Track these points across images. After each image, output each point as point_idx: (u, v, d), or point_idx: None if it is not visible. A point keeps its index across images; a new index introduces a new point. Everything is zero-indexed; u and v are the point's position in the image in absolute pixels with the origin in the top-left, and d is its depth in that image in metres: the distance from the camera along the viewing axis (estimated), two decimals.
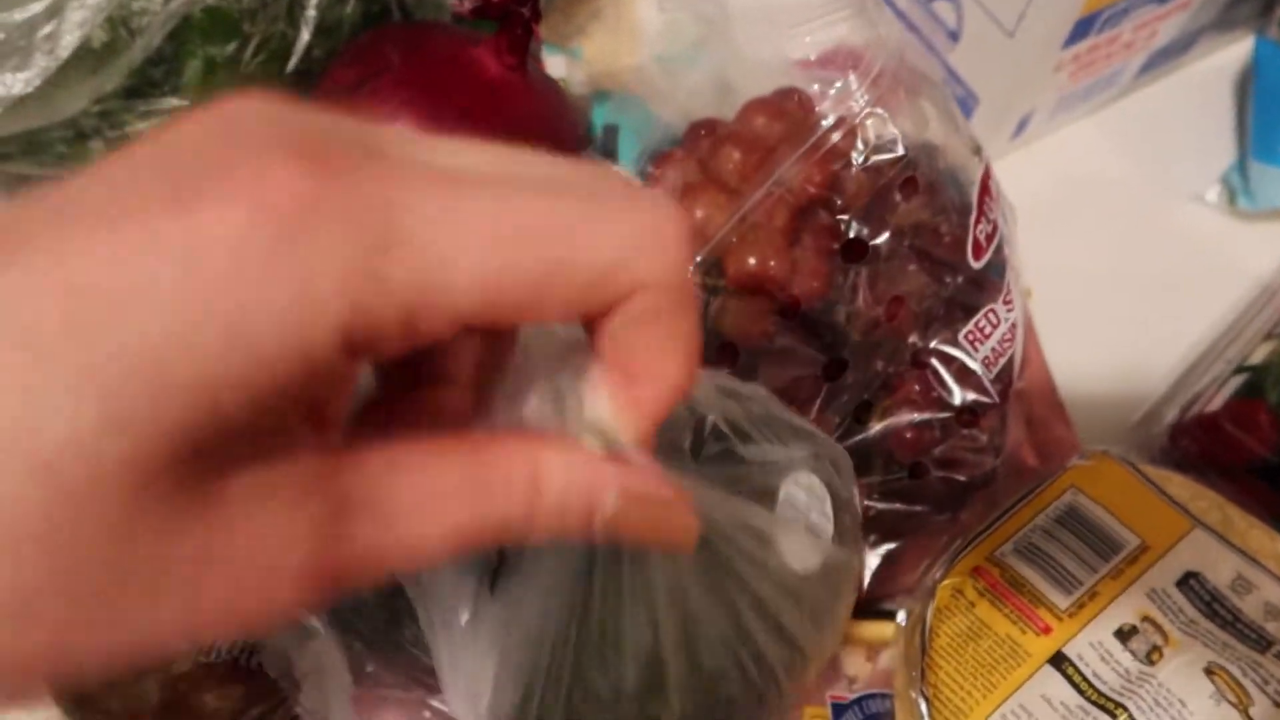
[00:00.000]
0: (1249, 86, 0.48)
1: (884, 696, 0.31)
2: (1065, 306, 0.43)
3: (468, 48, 0.33)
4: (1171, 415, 0.36)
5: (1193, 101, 0.49)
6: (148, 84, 0.31)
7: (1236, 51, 0.49)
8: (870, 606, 0.34)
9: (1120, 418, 0.40)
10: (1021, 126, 0.46)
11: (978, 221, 0.31)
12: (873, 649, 0.33)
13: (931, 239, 0.32)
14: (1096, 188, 0.47)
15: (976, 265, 0.30)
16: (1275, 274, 0.42)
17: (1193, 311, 0.43)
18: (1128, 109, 0.49)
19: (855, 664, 0.33)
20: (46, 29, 0.27)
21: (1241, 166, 0.46)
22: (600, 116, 0.36)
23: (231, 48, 0.31)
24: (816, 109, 0.33)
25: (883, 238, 0.32)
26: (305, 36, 0.32)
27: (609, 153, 0.35)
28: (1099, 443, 0.38)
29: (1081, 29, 0.41)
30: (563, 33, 0.45)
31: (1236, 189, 0.46)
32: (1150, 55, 0.47)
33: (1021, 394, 0.36)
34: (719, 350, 0.31)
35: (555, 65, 0.43)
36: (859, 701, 0.31)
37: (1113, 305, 0.43)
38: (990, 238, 0.31)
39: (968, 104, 0.46)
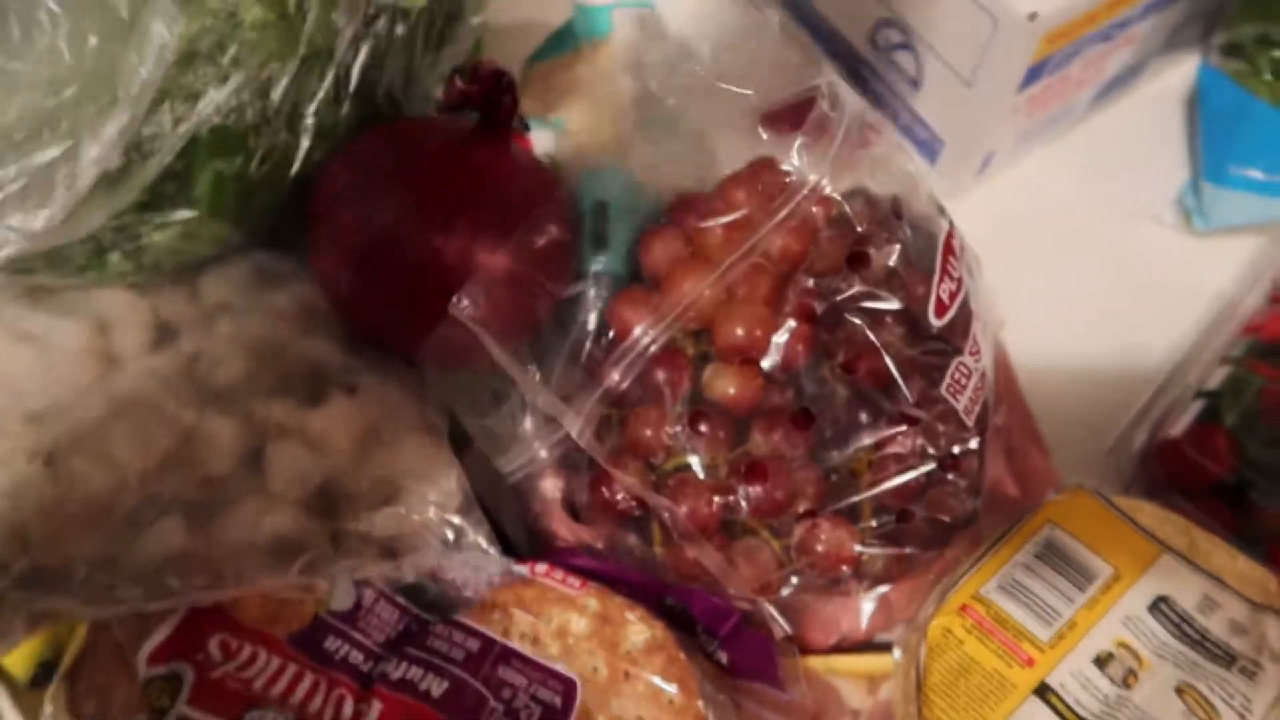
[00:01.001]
0: (1196, 108, 0.50)
1: None
2: (1040, 334, 0.45)
3: (456, 142, 0.34)
4: (1140, 441, 0.38)
5: (1145, 124, 0.51)
6: (161, 198, 0.33)
7: (1183, 72, 0.52)
8: (869, 641, 0.36)
9: (1097, 443, 0.42)
10: (986, 163, 0.48)
11: (941, 281, 0.33)
12: (874, 682, 0.36)
13: (902, 291, 0.34)
14: (1060, 215, 0.49)
15: (939, 323, 0.33)
16: (1230, 298, 0.44)
17: (1159, 332, 0.45)
18: (1084, 136, 0.51)
19: (858, 697, 0.36)
20: (65, 169, 0.29)
21: (1195, 187, 0.49)
22: (589, 194, 0.37)
23: (238, 161, 0.33)
24: (790, 179, 0.35)
25: (857, 294, 0.34)
26: (305, 143, 0.34)
27: (600, 232, 0.36)
28: (1078, 470, 0.40)
29: (1034, 74, 0.43)
30: (546, 102, 0.47)
31: (1191, 210, 0.48)
32: (1101, 86, 0.49)
33: (999, 430, 0.39)
34: (717, 416, 0.33)
35: (542, 139, 0.44)
36: None
37: (1083, 330, 0.45)
38: (954, 295, 0.34)
39: (934, 146, 0.48)
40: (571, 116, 0.45)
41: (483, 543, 0.34)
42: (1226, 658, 0.31)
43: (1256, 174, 0.47)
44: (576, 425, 0.31)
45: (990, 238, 0.49)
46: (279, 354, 0.35)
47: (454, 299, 0.30)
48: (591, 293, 0.35)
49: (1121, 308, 0.46)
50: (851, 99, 0.35)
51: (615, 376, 0.32)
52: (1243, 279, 0.46)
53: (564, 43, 0.48)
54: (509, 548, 0.37)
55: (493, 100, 0.35)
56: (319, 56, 0.33)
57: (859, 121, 0.35)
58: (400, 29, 0.36)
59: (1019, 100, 0.45)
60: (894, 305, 0.33)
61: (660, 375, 0.33)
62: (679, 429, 0.32)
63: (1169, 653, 0.31)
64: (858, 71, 0.50)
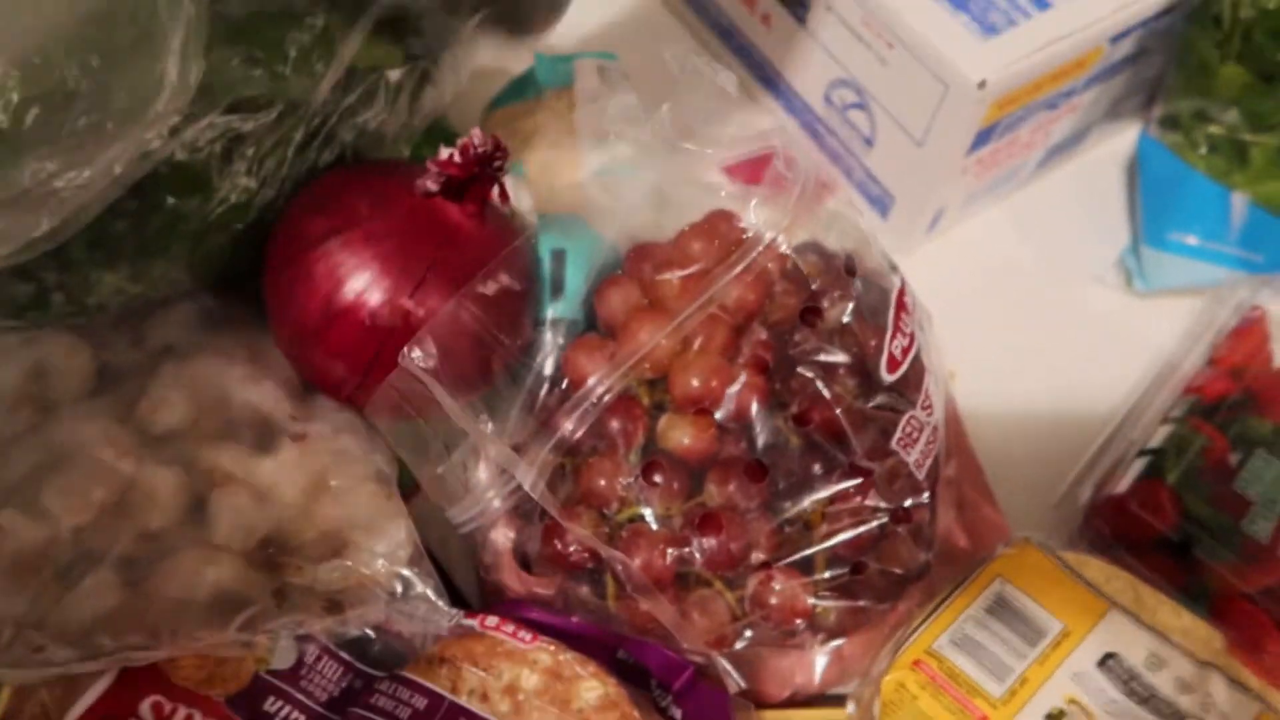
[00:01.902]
0: (1137, 174, 0.52)
1: None
2: (988, 387, 0.46)
3: (428, 199, 0.34)
4: (1085, 495, 0.39)
5: (1088, 188, 0.53)
6: (111, 235, 0.32)
7: (1125, 140, 0.54)
8: (822, 695, 0.36)
9: (1044, 495, 0.42)
10: (935, 220, 0.49)
11: (893, 337, 0.33)
12: None
13: (855, 345, 0.34)
14: (1007, 272, 0.50)
15: (891, 378, 0.33)
16: (1172, 354, 0.46)
17: (1104, 387, 0.46)
18: (1031, 197, 0.53)
19: None
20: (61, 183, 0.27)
21: (1135, 250, 0.50)
22: (546, 241, 0.38)
23: (195, 201, 0.32)
24: (747, 233, 0.35)
25: (811, 347, 0.34)
26: (270, 192, 0.34)
27: (558, 279, 0.37)
28: (1026, 521, 0.41)
29: (982, 137, 0.45)
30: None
31: (1132, 271, 0.50)
32: (1047, 150, 0.51)
33: (950, 482, 0.39)
34: (672, 466, 0.33)
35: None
36: None
37: (1031, 383, 0.47)
38: (906, 351, 0.34)
39: (885, 202, 0.49)
40: (530, 163, 0.46)
41: (431, 595, 0.33)
42: (1175, 715, 0.31)
43: (1193, 240, 0.49)
44: (529, 477, 0.31)
45: (939, 293, 0.50)
46: (225, 400, 0.34)
47: (404, 350, 0.30)
48: (548, 340, 0.35)
49: (1066, 363, 0.47)
50: (805, 159, 0.36)
51: (569, 426, 0.32)
52: (1183, 338, 0.47)
53: (525, 89, 0.49)
54: (459, 600, 0.36)
55: (481, 178, 0.34)
56: (295, 107, 0.33)
57: (813, 179, 0.36)
58: (379, 87, 0.36)
59: (968, 161, 0.46)
60: (846, 359, 0.33)
61: (615, 424, 0.33)
62: (633, 479, 0.32)
63: (1119, 710, 0.31)
64: (814, 128, 0.51)
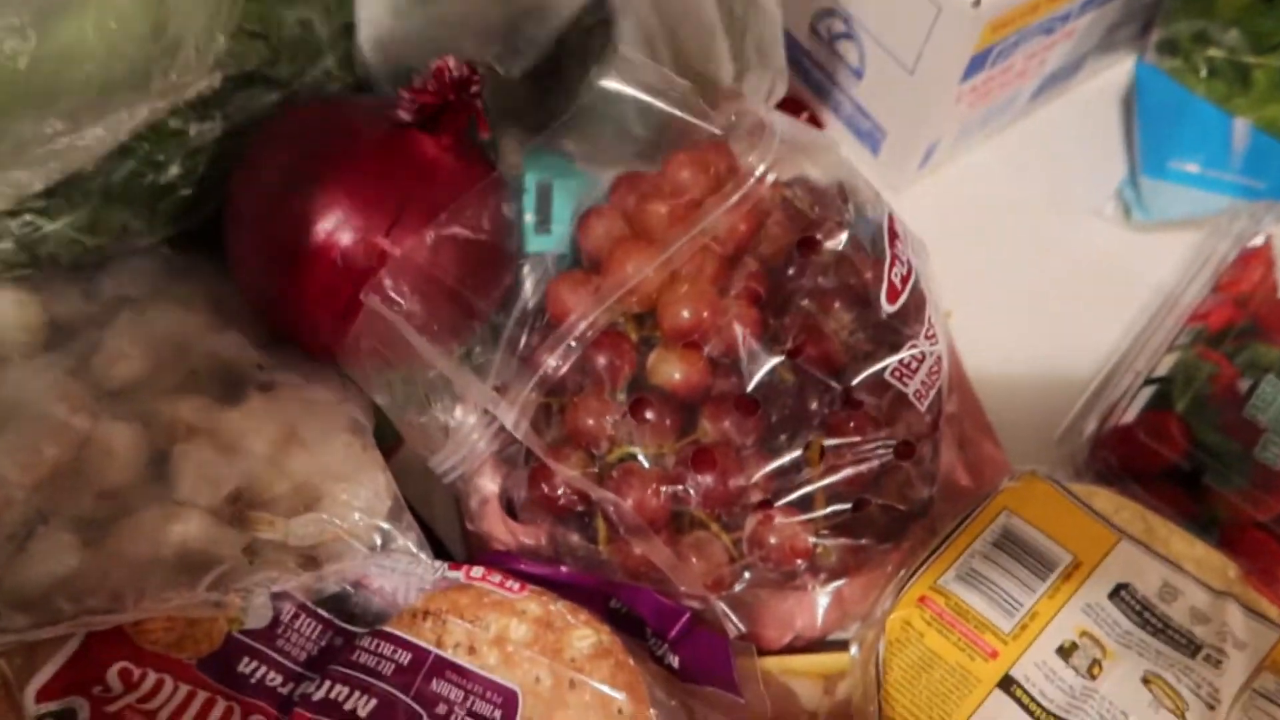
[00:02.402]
0: (1133, 105, 0.50)
1: None
2: (985, 326, 0.45)
3: (401, 131, 0.32)
4: (1090, 428, 0.38)
5: (1084, 121, 0.52)
6: (64, 182, 0.30)
7: (1120, 71, 0.52)
8: (823, 640, 0.35)
9: (1045, 432, 0.41)
10: (928, 155, 0.48)
11: (891, 265, 0.32)
12: (830, 681, 0.34)
13: (852, 276, 0.33)
14: (1002, 209, 0.49)
15: (892, 308, 0.31)
16: (1174, 285, 0.44)
17: (1102, 322, 0.45)
18: (1025, 131, 0.51)
19: (813, 698, 0.34)
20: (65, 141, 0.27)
21: (1133, 181, 0.49)
22: (532, 174, 0.36)
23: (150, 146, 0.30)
24: (738, 163, 0.34)
25: (806, 279, 0.33)
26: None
27: (544, 213, 0.35)
28: (1027, 458, 0.40)
29: (976, 64, 0.43)
30: None
31: (1131, 203, 0.48)
32: (1042, 80, 0.49)
33: (951, 418, 0.38)
34: (663, 403, 0.31)
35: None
36: None
37: (1028, 321, 0.45)
38: (905, 279, 0.33)
39: (876, 136, 0.48)
40: None
41: (412, 547, 0.31)
42: (1190, 646, 0.30)
43: (1194, 168, 0.47)
44: (511, 416, 0.29)
45: (934, 230, 0.48)
46: (185, 350, 0.32)
47: (364, 290, 0.28)
48: (530, 276, 0.34)
49: (1065, 298, 0.46)
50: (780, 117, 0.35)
51: (552, 363, 0.30)
52: (1184, 269, 0.46)
53: None
54: (442, 552, 0.34)
55: (455, 106, 0.32)
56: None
57: (791, 123, 0.34)
58: None
59: (962, 90, 0.44)
60: (844, 290, 0.32)
61: (601, 360, 0.31)
62: (621, 417, 0.30)
63: (1133, 641, 0.30)
64: (800, 63, 0.49)
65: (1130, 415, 0.36)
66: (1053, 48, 0.47)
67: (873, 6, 0.43)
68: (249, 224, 0.32)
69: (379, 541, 0.31)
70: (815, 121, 0.50)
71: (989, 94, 0.46)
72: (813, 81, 0.49)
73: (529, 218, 0.34)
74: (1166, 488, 0.35)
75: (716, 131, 0.34)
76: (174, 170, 0.32)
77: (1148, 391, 0.37)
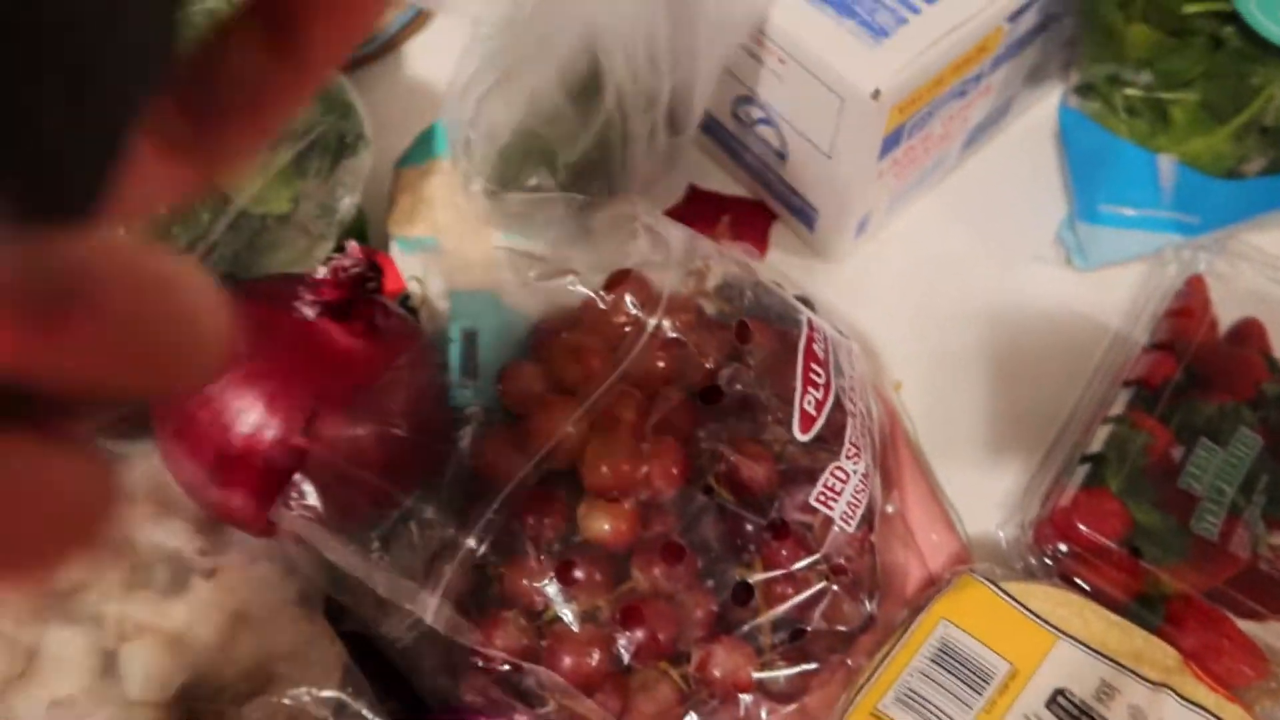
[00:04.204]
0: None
1: None
2: (937, 392, 0.44)
3: (311, 324, 0.33)
4: (1033, 512, 0.38)
5: (1018, 163, 0.51)
6: None
7: (1050, 105, 0.52)
8: None
9: (1008, 496, 0.41)
10: (862, 226, 0.48)
11: (804, 394, 0.32)
12: None
13: (762, 412, 0.33)
14: (946, 263, 0.48)
15: (805, 437, 0.32)
16: (1109, 344, 0.44)
17: (1058, 374, 0.44)
18: (960, 182, 0.51)
19: None
20: None
21: (1071, 226, 0.49)
22: (459, 318, 0.36)
23: None
24: (652, 290, 0.34)
25: (716, 422, 0.33)
26: None
27: (470, 362, 0.35)
28: (985, 537, 0.40)
29: (891, 142, 0.43)
30: (414, 214, 0.45)
31: (1070, 248, 0.48)
32: (969, 134, 0.49)
33: (891, 519, 0.38)
34: (593, 558, 0.32)
35: (411, 264, 0.43)
36: None
37: (982, 383, 0.45)
38: (820, 404, 0.33)
39: (809, 214, 0.48)
40: (442, 234, 0.44)
41: (365, 712, 0.32)
42: None
43: (1128, 210, 0.47)
44: (432, 607, 0.30)
45: (878, 293, 0.48)
46: (128, 545, 0.33)
47: (272, 509, 0.29)
48: (464, 434, 0.34)
49: (1017, 353, 0.45)
50: (674, 231, 0.35)
51: (478, 531, 0.31)
52: (1124, 318, 0.46)
53: (426, 149, 0.47)
54: (415, 696, 0.35)
55: (360, 294, 0.33)
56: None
57: (689, 249, 0.35)
58: None
59: (883, 166, 0.44)
60: (755, 426, 0.32)
61: (530, 521, 0.32)
62: (547, 581, 0.31)
63: None
64: (729, 145, 0.49)
65: (1067, 496, 0.36)
66: (972, 106, 0.47)
67: (784, 94, 0.43)
68: (173, 431, 0.32)
69: (329, 716, 0.32)
70: (759, 208, 0.50)
71: (912, 163, 0.46)
72: (744, 163, 0.49)
73: (454, 373, 0.35)
74: (1110, 570, 0.35)
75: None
76: None
77: (1083, 470, 0.37)
